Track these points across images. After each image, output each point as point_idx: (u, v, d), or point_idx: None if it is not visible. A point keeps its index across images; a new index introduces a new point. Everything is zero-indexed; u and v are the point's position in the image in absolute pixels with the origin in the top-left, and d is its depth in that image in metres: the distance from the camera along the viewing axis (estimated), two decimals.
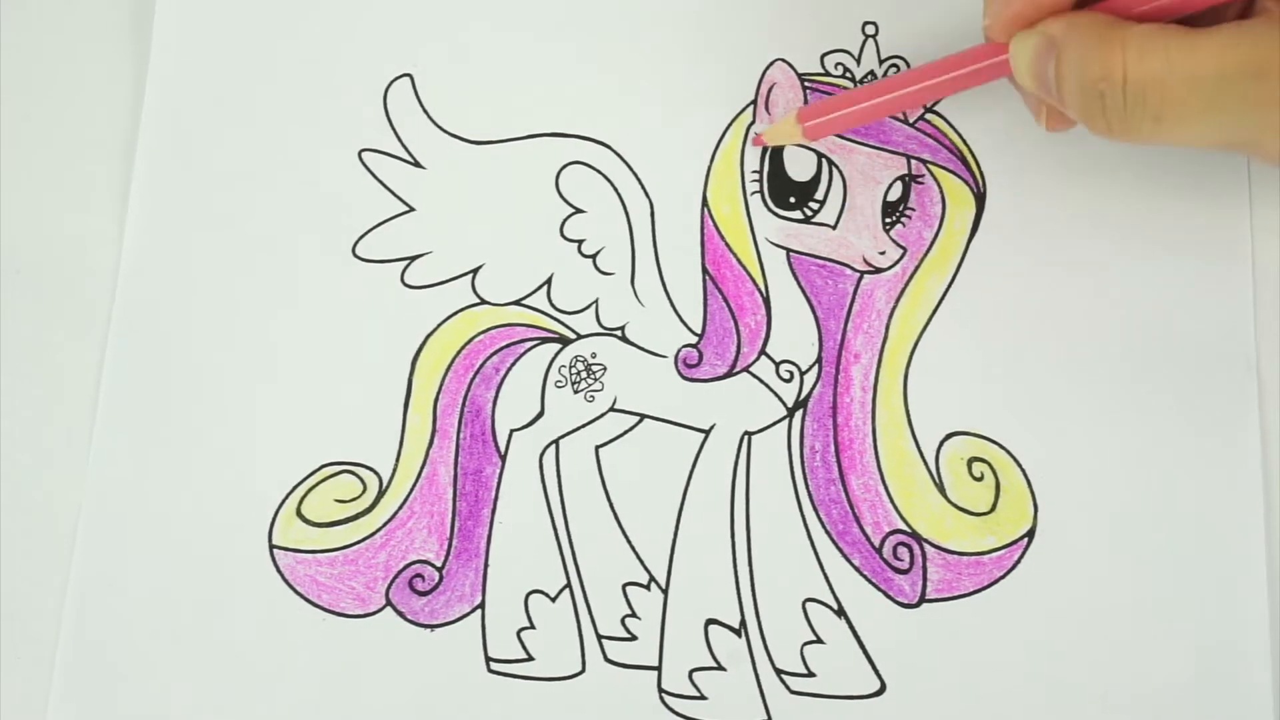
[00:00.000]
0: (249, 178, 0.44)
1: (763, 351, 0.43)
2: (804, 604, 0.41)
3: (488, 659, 0.41)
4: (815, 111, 0.42)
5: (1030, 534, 0.41)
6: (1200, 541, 0.41)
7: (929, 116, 0.44)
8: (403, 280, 0.43)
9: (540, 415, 0.43)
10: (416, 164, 0.44)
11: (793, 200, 0.43)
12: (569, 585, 0.41)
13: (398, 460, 0.42)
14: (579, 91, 0.45)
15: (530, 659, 0.41)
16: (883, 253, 0.43)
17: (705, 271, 0.43)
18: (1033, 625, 0.41)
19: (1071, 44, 0.35)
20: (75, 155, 0.45)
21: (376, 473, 0.42)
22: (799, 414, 0.42)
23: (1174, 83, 0.33)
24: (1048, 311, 0.42)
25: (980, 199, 0.43)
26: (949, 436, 0.42)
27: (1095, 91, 0.34)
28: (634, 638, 0.41)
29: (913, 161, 0.44)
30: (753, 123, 0.44)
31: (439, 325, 0.43)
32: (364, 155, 0.44)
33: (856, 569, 0.41)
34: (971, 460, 0.42)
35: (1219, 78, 0.32)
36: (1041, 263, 0.43)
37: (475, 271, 0.43)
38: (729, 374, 0.43)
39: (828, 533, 0.41)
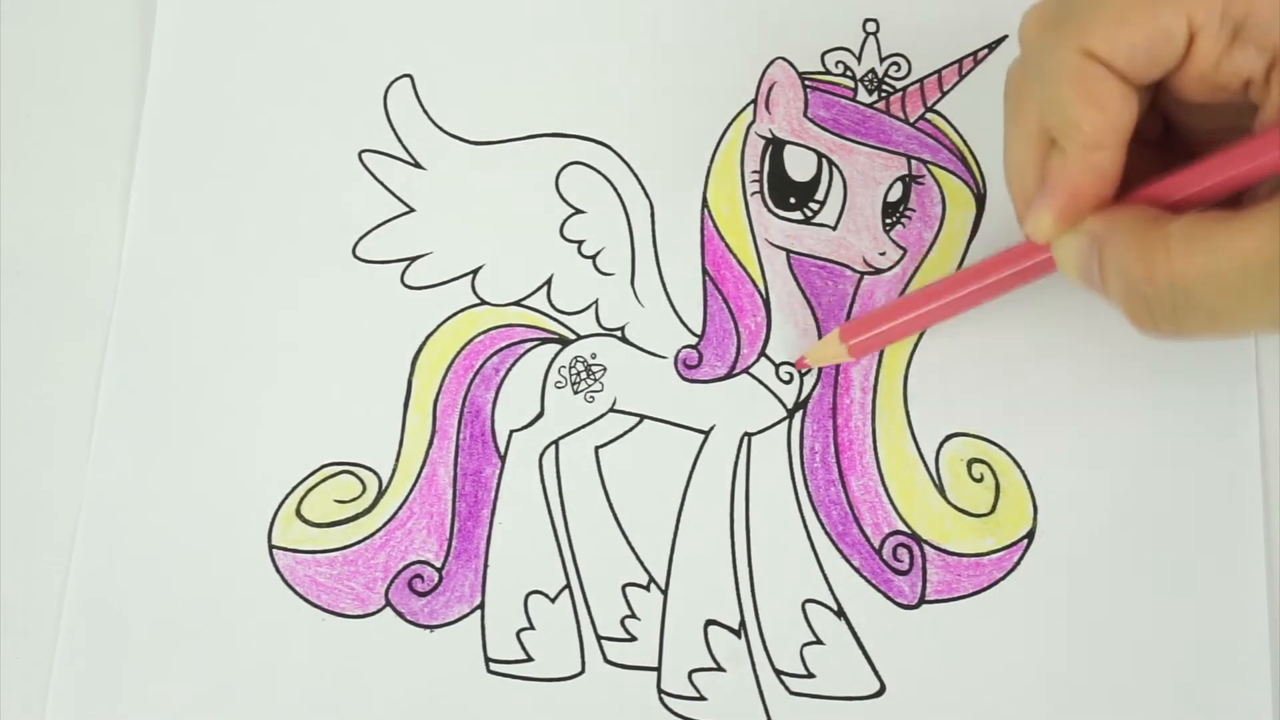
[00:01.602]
0: (249, 178, 0.44)
1: (763, 353, 0.43)
2: (804, 605, 0.41)
3: (487, 659, 0.41)
4: (858, 329, 0.41)
5: (1030, 535, 0.41)
6: (1200, 542, 0.41)
7: (929, 116, 0.44)
8: (403, 281, 0.43)
9: (540, 416, 0.43)
10: (417, 164, 0.44)
11: (793, 201, 0.43)
12: (569, 586, 0.41)
13: (397, 461, 0.42)
14: (579, 91, 0.45)
15: (530, 659, 0.41)
16: (883, 253, 0.43)
17: (705, 272, 0.43)
18: (1033, 626, 0.41)
19: (1112, 245, 0.33)
20: (76, 155, 0.45)
21: (376, 473, 0.42)
22: (799, 415, 0.42)
23: (1224, 276, 0.31)
24: (1047, 312, 0.42)
25: (980, 199, 0.43)
26: (949, 438, 0.42)
27: (1139, 294, 0.33)
28: (634, 638, 0.41)
29: (913, 162, 0.43)
30: (753, 122, 0.44)
31: (439, 326, 0.43)
32: (364, 156, 0.44)
33: (856, 570, 0.41)
34: (971, 461, 0.42)
35: (1269, 264, 0.31)
36: None
37: (475, 272, 0.43)
38: (729, 375, 0.43)
39: (827, 534, 0.41)
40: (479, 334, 0.43)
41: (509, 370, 0.43)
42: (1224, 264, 0.31)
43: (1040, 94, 0.34)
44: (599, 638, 0.41)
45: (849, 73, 0.44)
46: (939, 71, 0.44)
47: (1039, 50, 0.34)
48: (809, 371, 0.42)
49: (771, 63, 0.45)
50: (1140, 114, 0.34)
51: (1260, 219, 0.31)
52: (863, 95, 0.44)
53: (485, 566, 0.42)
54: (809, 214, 0.43)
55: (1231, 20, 0.32)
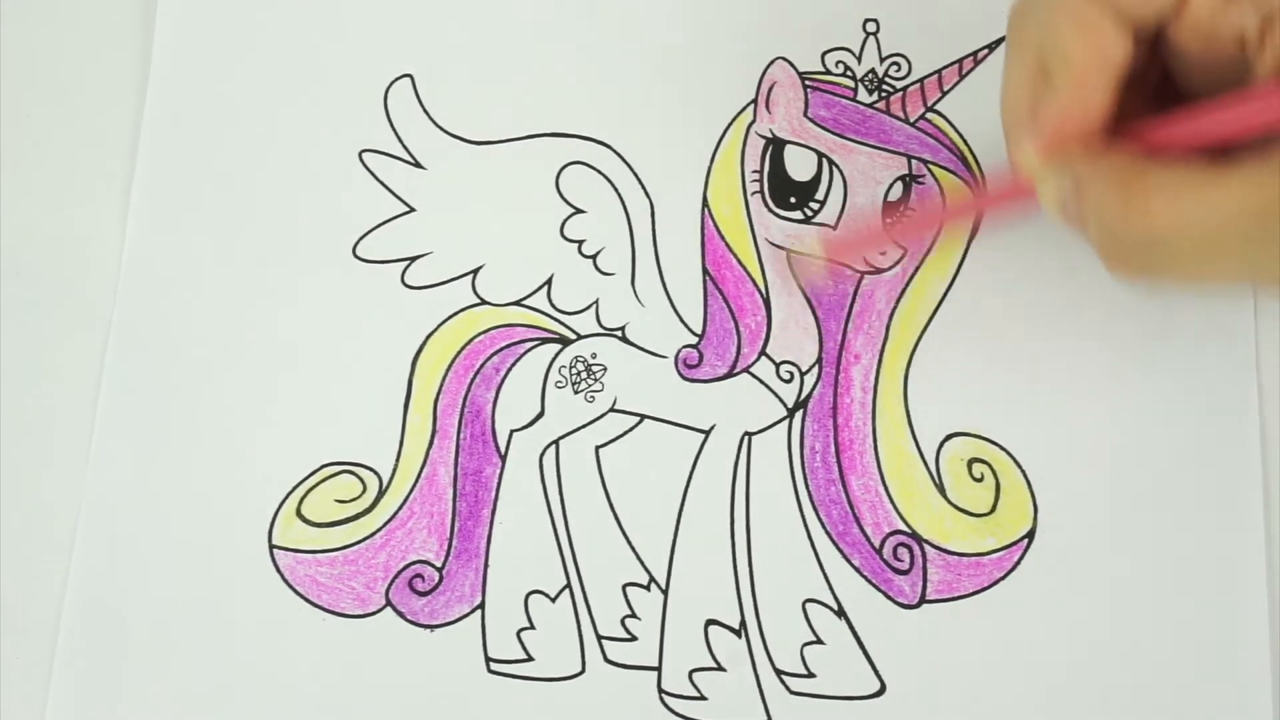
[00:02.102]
0: (250, 178, 0.44)
1: (763, 352, 0.43)
2: (804, 604, 0.41)
3: (488, 659, 0.41)
4: (843, 247, 0.42)
5: (1030, 535, 0.41)
6: (1200, 542, 0.41)
7: (930, 116, 0.44)
8: (403, 280, 0.43)
9: (540, 415, 0.42)
10: (417, 164, 0.44)
11: (793, 200, 0.43)
12: (569, 585, 0.41)
13: (398, 460, 0.42)
14: (579, 91, 0.45)
15: (530, 659, 0.41)
16: (883, 253, 0.43)
17: (705, 272, 0.43)
18: (1033, 625, 0.41)
19: (1093, 184, 0.34)
20: (76, 155, 0.45)
21: (376, 473, 0.42)
22: (799, 414, 0.42)
23: (1198, 224, 0.32)
24: (1048, 312, 0.42)
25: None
26: (949, 437, 0.42)
27: (1113, 234, 0.33)
28: (634, 638, 0.41)
29: (913, 161, 0.43)
30: (753, 121, 0.44)
31: (439, 325, 0.43)
32: (364, 156, 0.44)
33: (856, 569, 0.41)
34: (972, 461, 0.42)
35: (1252, 215, 0.31)
36: (1042, 263, 0.43)
37: (475, 272, 0.43)
38: (729, 374, 0.42)
39: (828, 533, 0.41)
40: (479, 334, 0.43)
41: (509, 370, 0.43)
42: (1199, 212, 0.32)
43: (1037, 24, 0.35)
44: (599, 637, 0.41)
45: (849, 73, 0.44)
46: (939, 71, 0.44)
47: None
48: (810, 369, 0.42)
49: (772, 63, 0.45)
50: (1136, 61, 0.34)
51: (1241, 175, 0.31)
52: (863, 95, 0.44)
53: (486, 566, 0.42)
54: (809, 214, 0.43)
55: None
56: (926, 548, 0.41)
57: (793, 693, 0.41)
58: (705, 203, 0.44)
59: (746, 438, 0.42)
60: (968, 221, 0.39)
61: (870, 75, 0.44)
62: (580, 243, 0.43)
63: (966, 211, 0.39)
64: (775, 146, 0.44)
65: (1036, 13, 0.35)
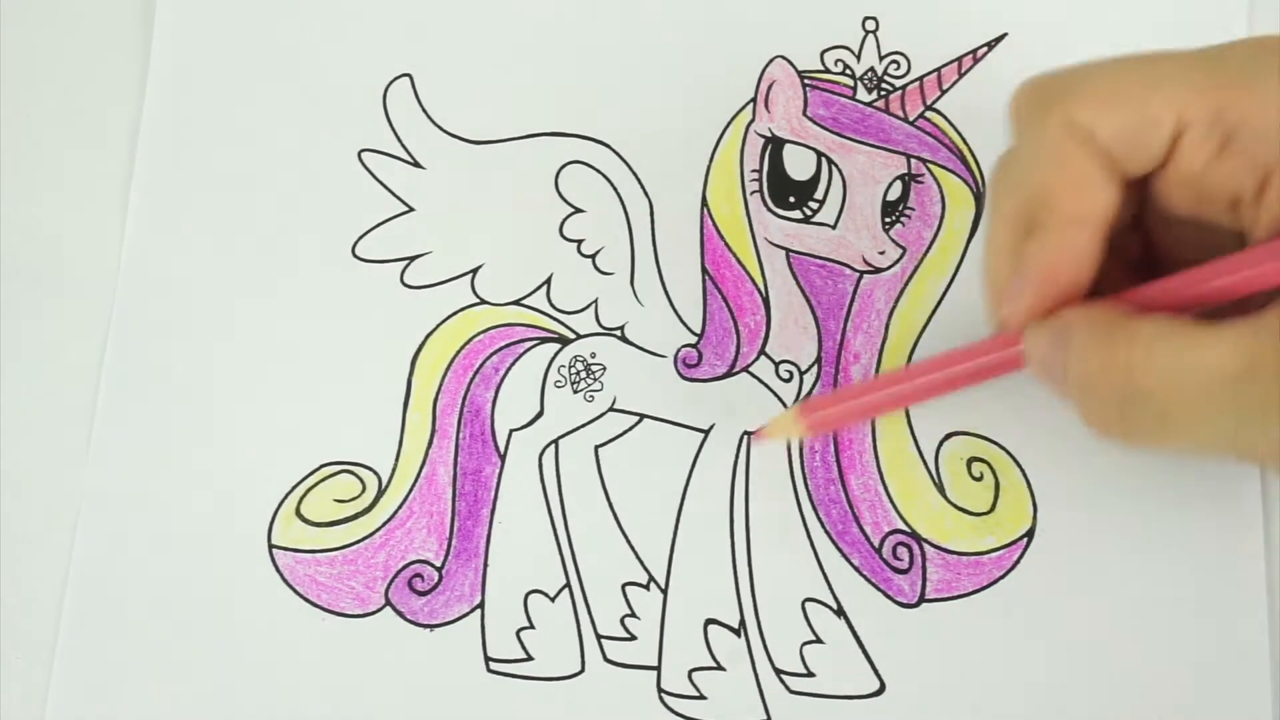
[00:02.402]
0: (249, 178, 0.44)
1: (762, 351, 0.43)
2: (803, 604, 0.41)
3: (487, 659, 0.41)
4: (817, 406, 0.40)
5: (1030, 534, 0.41)
6: (1200, 541, 0.41)
7: (929, 115, 0.44)
8: (402, 280, 0.43)
9: (540, 415, 0.43)
10: (416, 164, 0.44)
11: (792, 200, 0.43)
12: (568, 585, 0.41)
13: (397, 460, 0.42)
14: (578, 91, 0.45)
15: (530, 659, 0.41)
16: (882, 252, 0.43)
17: (705, 271, 0.43)
18: (1032, 625, 0.41)
19: (1076, 336, 0.32)
20: (76, 155, 0.45)
21: (376, 473, 0.42)
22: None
23: (1182, 382, 0.30)
24: None
25: (980, 198, 0.43)
26: (948, 436, 0.42)
27: (1093, 385, 0.32)
28: (633, 638, 0.41)
29: (912, 161, 0.43)
30: (752, 120, 0.44)
31: (438, 325, 0.43)
32: (363, 155, 0.44)
33: (856, 569, 0.41)
34: (971, 460, 0.42)
35: (1232, 379, 0.29)
36: None
37: (475, 271, 0.43)
38: (729, 374, 0.43)
39: (827, 533, 0.41)
40: (479, 333, 0.43)
41: (509, 369, 0.43)
42: (1183, 369, 0.30)
43: (1023, 168, 0.33)
44: (599, 637, 0.41)
45: (848, 71, 0.44)
46: (938, 70, 0.44)
47: (1026, 122, 0.33)
48: (810, 369, 0.42)
49: (771, 61, 0.44)
50: (1121, 210, 0.33)
51: (1228, 332, 0.30)
52: (862, 94, 0.44)
53: (485, 566, 0.42)
54: (808, 213, 0.43)
55: (1223, 126, 0.30)
56: (926, 547, 0.41)
57: (792, 692, 0.41)
58: (704, 202, 0.44)
59: (746, 437, 0.42)
60: (950, 386, 0.38)
61: (869, 74, 0.44)
62: (579, 242, 0.43)
63: (947, 368, 0.37)
64: (774, 145, 0.44)
65: (1021, 161, 0.34)
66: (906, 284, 0.43)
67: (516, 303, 0.43)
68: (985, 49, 0.44)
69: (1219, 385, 0.29)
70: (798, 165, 0.43)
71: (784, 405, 0.42)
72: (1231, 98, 0.30)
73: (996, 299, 0.35)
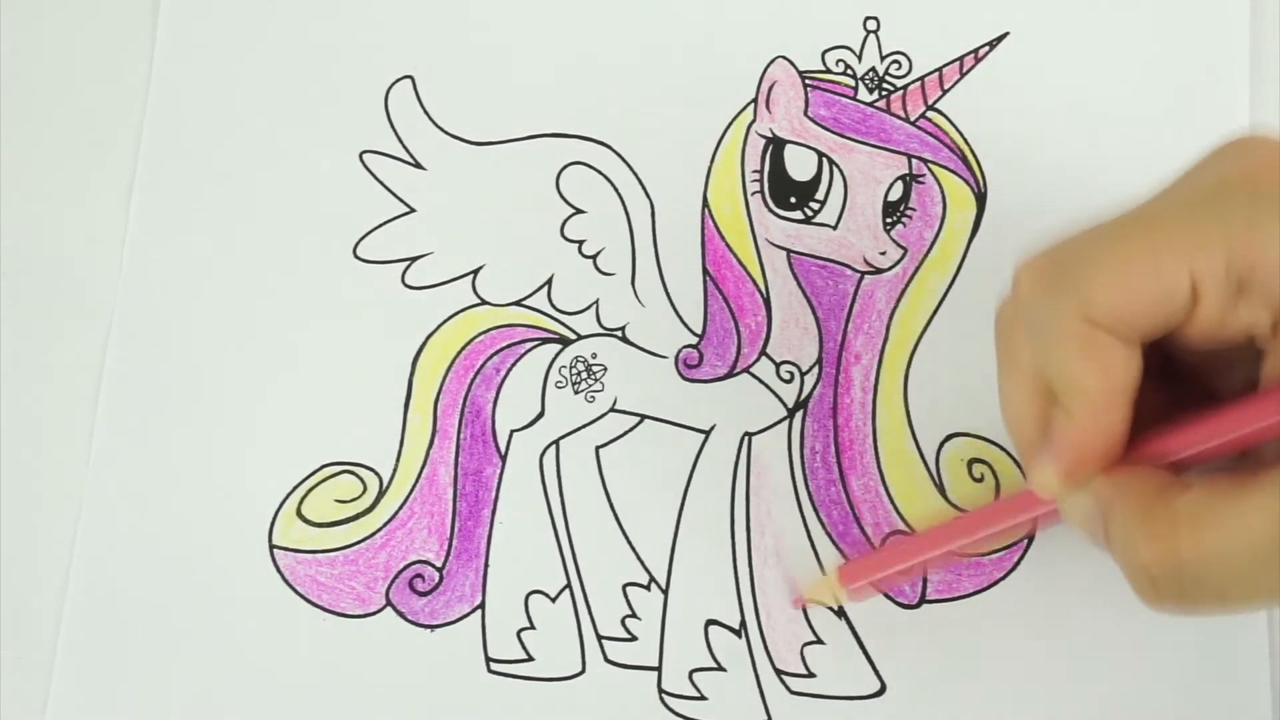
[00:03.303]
0: (250, 179, 0.44)
1: (763, 352, 0.43)
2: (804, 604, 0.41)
3: (488, 659, 0.41)
4: (857, 572, 0.40)
5: (1030, 535, 0.41)
6: None
7: (930, 115, 0.44)
8: (403, 281, 0.43)
9: (540, 416, 0.43)
10: (417, 165, 0.44)
11: (793, 200, 0.43)
12: (569, 585, 0.41)
13: (398, 460, 0.42)
14: (579, 91, 0.44)
15: (530, 659, 0.41)
16: (883, 253, 0.43)
17: (706, 272, 0.43)
18: (1033, 625, 0.41)
19: (1118, 517, 0.32)
20: (77, 155, 0.45)
21: (377, 473, 0.42)
22: (799, 415, 0.42)
23: (1233, 558, 0.29)
24: None
25: (981, 199, 0.43)
26: (949, 437, 0.42)
27: (1147, 576, 0.31)
28: (634, 638, 0.41)
29: (913, 161, 0.43)
30: (753, 121, 0.44)
31: (439, 326, 0.43)
32: (365, 157, 0.44)
33: None
34: (972, 461, 0.42)
35: (1271, 540, 0.29)
36: None
37: (476, 272, 0.43)
38: (729, 375, 0.42)
39: (828, 533, 0.41)
40: (479, 334, 0.43)
41: (509, 370, 0.43)
42: (1232, 546, 0.30)
43: (1039, 353, 0.32)
44: (599, 637, 0.41)
45: (849, 71, 0.44)
46: (940, 69, 0.44)
47: (1036, 310, 0.32)
48: (810, 370, 0.42)
49: (772, 61, 0.44)
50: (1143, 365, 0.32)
51: (1268, 494, 0.29)
52: (863, 94, 0.44)
53: (486, 566, 0.42)
54: (809, 213, 0.43)
55: (1236, 274, 0.30)
56: None
57: (793, 692, 0.41)
58: (705, 203, 0.43)
59: (747, 438, 0.42)
60: (992, 541, 0.38)
61: (871, 74, 0.44)
62: (580, 243, 0.43)
63: (988, 526, 0.37)
64: (775, 146, 0.44)
65: (1034, 333, 0.33)
66: (908, 284, 0.43)
67: (517, 303, 0.43)
68: (987, 48, 0.44)
69: (1269, 551, 0.29)
70: (799, 166, 0.43)
71: (785, 406, 0.42)
72: (1238, 250, 0.30)
73: (1028, 462, 0.34)
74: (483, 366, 0.43)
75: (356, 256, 0.44)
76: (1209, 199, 0.31)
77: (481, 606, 0.41)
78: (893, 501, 0.42)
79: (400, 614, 0.41)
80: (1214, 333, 0.31)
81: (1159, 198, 0.32)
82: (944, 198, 0.43)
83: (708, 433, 0.42)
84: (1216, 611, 0.31)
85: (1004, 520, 0.37)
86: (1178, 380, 0.35)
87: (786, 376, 0.42)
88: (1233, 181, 0.31)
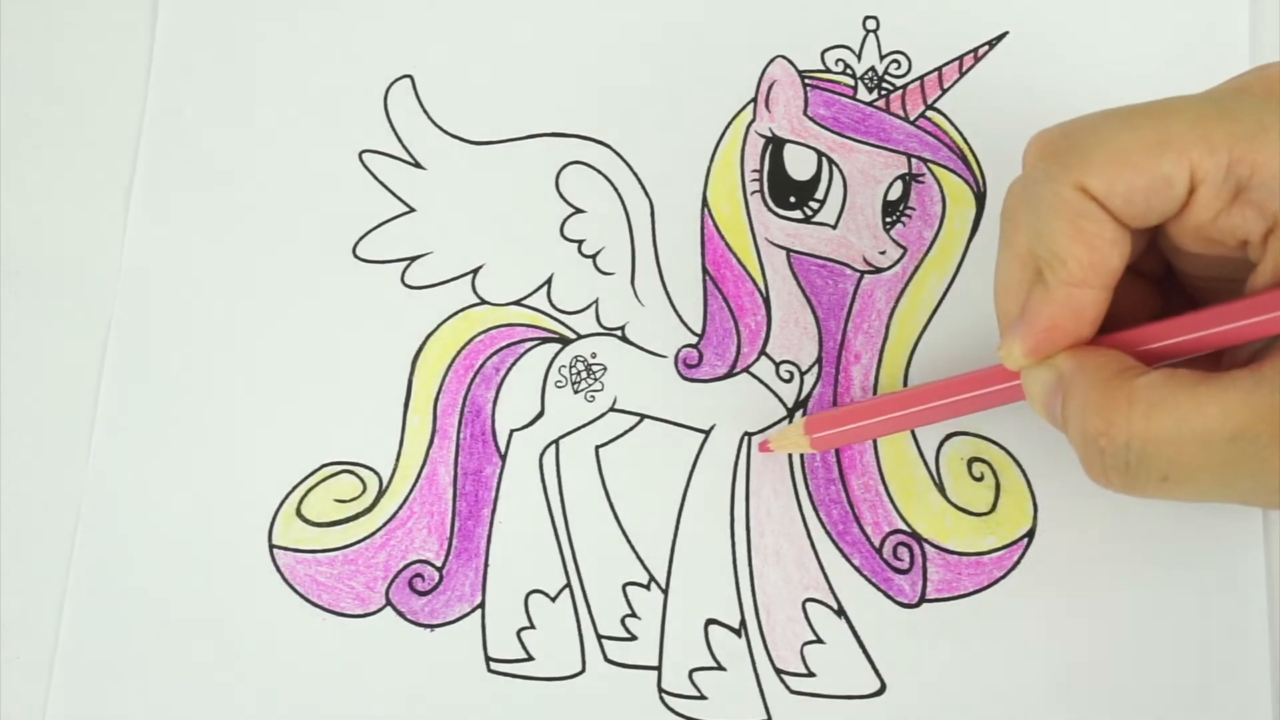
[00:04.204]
0: (250, 178, 0.44)
1: (763, 352, 0.42)
2: (804, 604, 0.41)
3: (488, 659, 0.41)
4: (824, 423, 0.40)
5: (1030, 534, 0.41)
6: (1200, 541, 0.41)
7: (930, 114, 0.44)
8: (403, 280, 0.43)
9: (540, 415, 0.43)
10: (417, 165, 0.44)
11: (793, 200, 0.43)
12: (569, 585, 0.41)
13: (398, 460, 0.42)
14: (579, 91, 0.44)
15: (530, 659, 0.41)
16: (883, 252, 0.43)
17: (705, 271, 0.43)
18: (1033, 624, 0.41)
19: (1076, 390, 0.32)
20: (77, 155, 0.45)
21: (376, 473, 0.42)
22: (799, 414, 0.42)
23: (1183, 443, 0.30)
24: None
25: (981, 198, 0.43)
26: (949, 436, 0.42)
27: (1096, 447, 0.32)
28: (634, 638, 0.41)
29: (913, 160, 0.43)
30: (753, 120, 0.44)
31: (439, 325, 0.43)
32: (364, 156, 0.44)
33: (856, 569, 0.41)
34: (971, 460, 0.42)
35: (1230, 439, 0.30)
36: None
37: (475, 272, 0.43)
38: (729, 374, 0.42)
39: (828, 533, 0.41)
40: (479, 333, 0.43)
41: (509, 370, 0.43)
42: (1184, 431, 0.30)
43: (1031, 221, 0.33)
44: (599, 637, 0.41)
45: (849, 70, 0.44)
46: (939, 69, 0.44)
47: (1037, 177, 0.33)
48: (810, 369, 0.42)
49: (771, 61, 0.44)
50: (1134, 256, 0.33)
51: (1228, 389, 0.30)
52: (863, 93, 0.44)
53: (486, 566, 0.42)
54: (809, 213, 0.43)
55: (1235, 177, 0.30)
56: (926, 547, 0.41)
57: (793, 692, 0.41)
58: (705, 202, 0.43)
59: (746, 437, 0.42)
60: (953, 411, 0.38)
61: (870, 73, 0.44)
62: (580, 242, 0.43)
63: (953, 395, 0.38)
64: (775, 145, 0.44)
65: (1031, 202, 0.33)
66: (907, 284, 0.43)
67: (517, 303, 0.43)
68: (986, 48, 0.44)
69: (1218, 444, 0.30)
70: (798, 165, 0.43)
71: (785, 406, 0.42)
72: (1242, 151, 0.30)
73: (1003, 336, 0.35)
74: (482, 366, 0.43)
75: (356, 256, 0.44)
76: (1223, 99, 0.31)
77: (481, 606, 0.41)
78: (892, 501, 0.42)
79: (400, 613, 0.41)
80: (1206, 231, 0.32)
81: (1179, 96, 0.33)
82: (943, 197, 0.43)
83: (707, 432, 0.42)
84: (1157, 494, 0.32)
85: (970, 389, 0.37)
86: (1175, 296, 0.35)
87: (786, 376, 0.42)
88: (1250, 86, 0.32)
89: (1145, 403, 0.31)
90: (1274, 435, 0.30)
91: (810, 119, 0.44)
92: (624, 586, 0.41)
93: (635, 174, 0.44)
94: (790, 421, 0.42)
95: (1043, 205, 0.32)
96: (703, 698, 0.41)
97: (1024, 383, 0.35)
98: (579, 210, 0.44)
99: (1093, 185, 0.31)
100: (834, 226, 0.43)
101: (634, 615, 0.41)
